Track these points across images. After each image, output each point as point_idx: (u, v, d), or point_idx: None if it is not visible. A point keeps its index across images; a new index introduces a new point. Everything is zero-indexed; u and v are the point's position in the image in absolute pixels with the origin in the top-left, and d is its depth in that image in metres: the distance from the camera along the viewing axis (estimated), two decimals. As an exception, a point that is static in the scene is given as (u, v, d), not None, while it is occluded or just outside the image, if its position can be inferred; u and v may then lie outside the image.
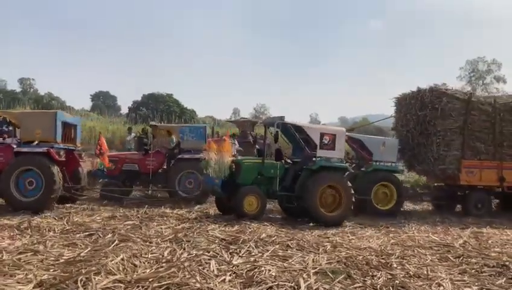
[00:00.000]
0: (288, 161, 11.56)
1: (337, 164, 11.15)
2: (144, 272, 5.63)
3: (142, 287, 4.98)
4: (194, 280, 5.13)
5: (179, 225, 9.12)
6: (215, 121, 43.11)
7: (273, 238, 7.95)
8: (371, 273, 6.01)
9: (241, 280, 5.41)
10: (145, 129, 14.93)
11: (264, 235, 8.16)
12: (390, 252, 7.48)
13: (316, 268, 6.09)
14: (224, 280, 5.39)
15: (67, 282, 5.03)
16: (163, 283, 5.05)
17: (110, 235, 7.78)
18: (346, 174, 11.66)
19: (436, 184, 15.21)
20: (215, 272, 5.70)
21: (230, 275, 5.62)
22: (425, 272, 6.18)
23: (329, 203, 10.70)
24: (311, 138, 11.06)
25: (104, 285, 4.99)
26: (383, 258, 6.93)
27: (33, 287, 4.94)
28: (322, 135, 10.89)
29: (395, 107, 15.19)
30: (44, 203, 10.35)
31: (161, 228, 8.63)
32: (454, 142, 13.35)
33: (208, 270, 5.75)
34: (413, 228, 10.54)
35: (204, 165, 11.56)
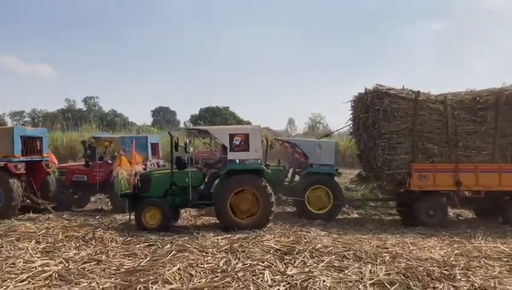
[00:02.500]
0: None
1: (250, 165, 10.26)
2: (199, 282, 5.74)
3: (197, 296, 5.06)
4: (247, 290, 5.14)
5: (235, 235, 9.19)
6: (272, 131, 43.29)
7: (329, 249, 7.80)
8: (432, 285, 5.75)
9: (295, 291, 5.35)
10: (90, 141, 15.09)
11: (319, 245, 8.03)
12: (453, 263, 7.10)
13: (372, 279, 5.92)
14: (278, 290, 5.36)
15: (126, 290, 5.23)
16: (217, 293, 5.12)
17: (168, 245, 8.00)
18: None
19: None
20: (269, 282, 5.70)
21: (284, 285, 5.59)
22: (492, 285, 5.81)
23: (247, 208, 10.01)
24: (220, 141, 10.61)
25: (161, 294, 5.13)
26: (445, 270, 6.59)
27: (96, 295, 5.18)
28: (231, 136, 10.12)
29: (351, 111, 13.85)
30: (5, 212, 11.08)
31: (217, 239, 8.74)
32: (403, 145, 12.24)
33: (261, 280, 5.76)
34: (480, 238, 9.93)
35: (116, 182, 11.66)
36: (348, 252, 7.65)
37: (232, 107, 53.44)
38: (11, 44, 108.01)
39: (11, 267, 6.26)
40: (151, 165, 13.70)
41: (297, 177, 14.11)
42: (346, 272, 6.33)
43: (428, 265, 6.86)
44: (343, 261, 7.08)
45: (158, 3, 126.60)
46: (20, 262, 6.48)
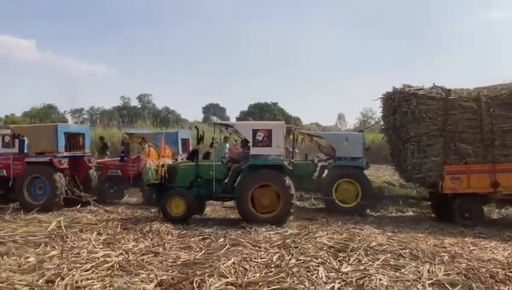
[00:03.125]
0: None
1: (271, 161, 10.16)
2: (253, 276, 5.79)
3: (253, 290, 5.11)
4: (302, 286, 5.15)
5: (287, 231, 9.20)
6: (320, 127, 42.92)
7: (385, 247, 7.63)
8: (496, 288, 5.51)
9: (351, 288, 5.31)
10: (124, 137, 15.38)
11: (374, 243, 7.86)
12: (519, 265, 6.74)
13: (431, 279, 5.73)
14: (333, 288, 5.34)
15: (184, 283, 5.39)
16: (272, 288, 5.17)
17: (222, 239, 8.14)
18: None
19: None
20: (324, 279, 5.66)
21: (339, 282, 5.54)
22: None
23: (268, 203, 10.03)
24: (244, 136, 10.65)
25: (217, 287, 5.25)
26: (510, 272, 6.27)
27: (154, 286, 5.37)
28: (255, 132, 10.16)
29: (382, 108, 13.09)
30: (50, 205, 11.61)
31: (269, 234, 8.79)
32: (433, 147, 11.56)
33: (316, 277, 5.74)
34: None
35: (145, 172, 11.89)
36: (404, 251, 7.44)
37: (281, 103, 53.35)
38: (70, 45, 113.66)
39: (75, 257, 6.60)
40: (181, 159, 14.01)
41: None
42: (402, 271, 6.18)
43: (491, 266, 6.55)
44: (399, 259, 6.90)
45: (206, 3, 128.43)
46: (84, 252, 6.82)
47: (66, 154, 12.41)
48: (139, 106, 65.73)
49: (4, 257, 6.60)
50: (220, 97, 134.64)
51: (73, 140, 12.85)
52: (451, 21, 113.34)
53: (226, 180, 10.65)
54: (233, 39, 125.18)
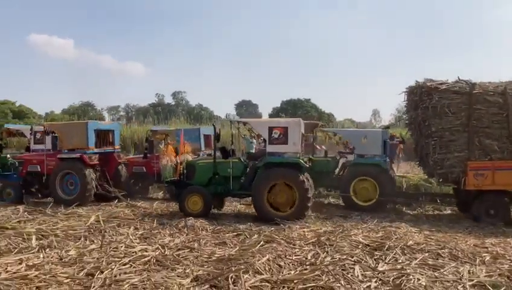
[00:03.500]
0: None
1: (287, 158, 10.09)
2: (288, 273, 5.78)
3: (288, 287, 5.12)
4: (338, 285, 5.09)
5: (321, 229, 9.13)
6: (354, 123, 42.35)
7: (422, 246, 7.45)
8: (542, 291, 5.25)
9: (388, 288, 5.20)
10: (148, 134, 15.49)
11: (411, 242, 7.69)
12: None
13: (472, 280, 5.55)
14: (369, 286, 5.25)
15: (219, 279, 5.42)
16: (308, 285, 5.13)
17: (255, 236, 8.16)
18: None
19: None
20: (360, 278, 5.58)
21: (375, 281, 5.45)
22: None
23: (285, 201, 9.96)
24: (260, 133, 10.55)
25: (252, 283, 5.25)
26: (557, 274, 5.99)
27: (190, 281, 5.42)
28: (270, 129, 10.07)
29: (405, 102, 12.56)
30: (81, 200, 11.98)
31: (303, 231, 8.74)
32: (456, 142, 11.14)
33: (352, 275, 5.66)
34: None
35: (163, 169, 11.94)
36: (443, 251, 7.25)
37: (314, 99, 52.94)
38: (106, 44, 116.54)
39: (114, 251, 6.77)
40: (203, 155, 14.14)
41: None
42: (441, 271, 6.01)
43: (537, 268, 6.29)
44: (437, 259, 6.73)
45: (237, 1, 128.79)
46: (122, 247, 6.98)
47: (96, 150, 12.75)
48: (173, 103, 66.73)
49: (47, 250, 6.83)
50: (253, 94, 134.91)
51: (103, 137, 13.20)
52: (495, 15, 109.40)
53: (244, 178, 10.69)
54: (265, 36, 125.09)
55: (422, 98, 11.44)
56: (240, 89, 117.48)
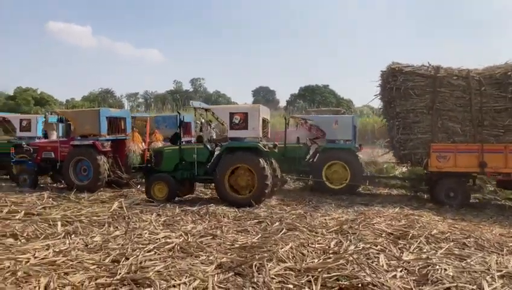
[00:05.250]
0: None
1: (246, 143, 10.44)
2: (312, 262, 5.75)
3: (312, 276, 5.08)
4: (363, 274, 5.04)
5: (343, 217, 9.07)
6: (373, 109, 41.74)
7: (447, 235, 7.34)
8: None
9: (414, 278, 5.13)
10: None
11: (435, 231, 7.58)
12: None
13: (501, 271, 5.44)
14: (395, 276, 5.18)
15: (243, 266, 5.42)
16: (332, 274, 5.09)
17: (277, 223, 8.14)
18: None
19: None
20: (385, 267, 5.52)
21: (401, 271, 5.38)
22: None
23: (245, 184, 10.32)
24: (222, 119, 10.91)
25: (276, 271, 5.24)
26: None
27: (214, 269, 5.44)
28: (231, 115, 10.45)
29: (379, 86, 12.44)
30: (94, 186, 12.30)
31: (325, 219, 8.71)
32: (420, 124, 11.43)
33: (377, 264, 5.60)
34: None
35: (129, 156, 12.28)
36: (468, 240, 7.14)
37: (333, 86, 52.45)
38: (124, 31, 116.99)
39: (138, 237, 6.83)
40: (182, 142, 14.11)
41: None
42: (468, 261, 5.91)
43: None
44: (463, 249, 6.63)
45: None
46: (146, 233, 7.05)
47: (108, 137, 12.95)
48: (191, 89, 66.84)
49: (72, 236, 6.94)
50: (271, 80, 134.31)
51: (115, 124, 13.39)
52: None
53: (209, 163, 10.98)
54: (284, 21, 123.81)
55: (389, 80, 11.70)
56: (257, 76, 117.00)
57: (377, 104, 13.05)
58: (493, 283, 4.99)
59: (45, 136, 16.13)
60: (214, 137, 12.52)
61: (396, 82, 11.52)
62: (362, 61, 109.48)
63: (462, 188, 11.34)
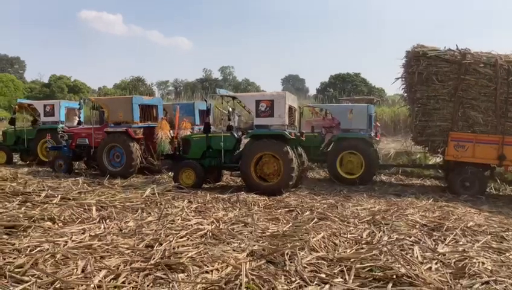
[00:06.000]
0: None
1: (272, 131, 10.35)
2: (344, 252, 5.69)
3: (345, 266, 5.02)
4: (398, 265, 4.94)
5: (375, 207, 8.94)
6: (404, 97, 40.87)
7: (484, 228, 7.14)
8: None
9: (450, 270, 5.00)
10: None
11: (471, 223, 7.38)
12: None
13: (542, 266, 5.24)
14: (430, 268, 5.07)
15: (274, 254, 5.41)
16: (365, 265, 5.02)
17: (308, 212, 8.09)
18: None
19: None
20: (420, 259, 5.41)
21: (436, 263, 5.26)
22: None
23: (271, 172, 10.30)
24: (248, 107, 10.83)
25: (308, 261, 5.21)
26: None
27: (246, 256, 5.45)
28: (257, 102, 10.40)
29: (403, 67, 11.91)
30: (127, 172, 12.56)
31: (357, 209, 8.61)
32: (440, 111, 11.04)
33: (411, 256, 5.49)
34: None
35: (158, 143, 12.32)
36: (506, 233, 6.94)
37: (364, 74, 51.55)
38: (154, 19, 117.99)
39: (171, 223, 6.91)
40: (198, 129, 14.27)
41: None
42: (507, 255, 5.73)
43: None
44: (501, 242, 6.43)
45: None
46: (178, 219, 7.12)
47: (140, 124, 13.14)
48: (221, 78, 67.03)
49: (107, 221, 7.09)
50: (301, 68, 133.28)
51: (147, 111, 13.59)
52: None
53: (236, 151, 11.11)
54: (314, 7, 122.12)
55: (411, 63, 11.34)
56: (287, 64, 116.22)
57: (398, 88, 12.61)
58: (534, 278, 4.81)
59: (79, 123, 16.56)
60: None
61: (419, 66, 11.18)
62: (395, 49, 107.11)
63: (478, 178, 11.07)
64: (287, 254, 5.38)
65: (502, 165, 11.07)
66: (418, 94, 11.39)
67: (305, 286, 4.49)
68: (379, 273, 4.76)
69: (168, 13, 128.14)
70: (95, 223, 6.92)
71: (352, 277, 4.70)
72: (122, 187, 10.60)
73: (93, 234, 6.22)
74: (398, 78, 12.01)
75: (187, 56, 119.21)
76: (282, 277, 4.73)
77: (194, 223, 6.91)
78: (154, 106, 14.04)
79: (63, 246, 5.55)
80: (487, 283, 4.66)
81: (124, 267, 4.91)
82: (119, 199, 8.75)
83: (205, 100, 11.87)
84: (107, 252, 5.44)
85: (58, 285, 4.29)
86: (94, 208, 7.80)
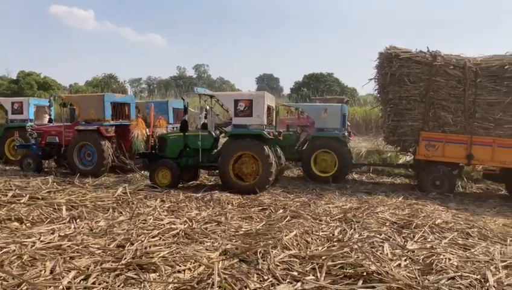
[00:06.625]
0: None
1: (250, 130, 10.34)
2: (316, 250, 5.76)
3: (317, 264, 5.08)
4: (368, 262, 5.04)
5: (346, 205, 9.08)
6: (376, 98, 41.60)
7: (451, 225, 7.35)
8: None
9: (419, 267, 5.13)
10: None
11: (439, 220, 7.59)
12: None
13: (505, 261, 5.44)
14: (399, 265, 5.19)
15: (247, 253, 5.43)
16: (337, 262, 5.09)
17: (281, 211, 8.15)
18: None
19: None
20: (389, 256, 5.52)
21: (405, 260, 5.39)
22: None
23: (249, 172, 10.33)
24: (226, 106, 10.80)
25: (281, 259, 5.25)
26: None
27: (219, 255, 5.45)
28: (236, 102, 10.37)
29: (376, 69, 12.24)
30: (98, 171, 12.38)
31: (329, 207, 8.72)
32: (412, 111, 11.42)
33: (381, 253, 5.61)
34: None
35: (133, 142, 12.31)
36: (472, 230, 7.17)
37: (338, 74, 52.10)
38: (127, 16, 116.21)
39: (143, 223, 6.84)
40: (172, 128, 14.30)
41: None
42: (472, 251, 5.92)
43: None
44: (467, 239, 6.63)
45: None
46: (150, 219, 7.05)
47: (112, 122, 12.94)
48: (195, 75, 66.59)
49: (77, 220, 6.96)
50: (275, 68, 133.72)
51: (119, 109, 13.37)
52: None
53: (214, 150, 11.07)
54: (289, 8, 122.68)
55: (383, 64, 11.60)
56: (261, 63, 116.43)
57: (371, 89, 12.83)
58: (497, 273, 4.98)
59: (50, 121, 16.17)
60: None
61: (392, 68, 11.43)
62: (369, 50, 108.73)
63: (448, 177, 11.40)
64: (260, 252, 5.41)
65: (470, 164, 11.41)
66: (390, 95, 11.63)
67: (278, 284, 4.52)
68: (350, 271, 4.84)
69: (141, 10, 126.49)
70: (64, 223, 6.80)
71: (324, 275, 4.76)
72: (93, 186, 10.42)
73: (63, 234, 6.10)
74: (371, 79, 12.24)
75: (161, 53, 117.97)
76: (255, 275, 4.75)
77: (167, 223, 6.86)
78: (126, 103, 13.82)
79: (31, 247, 5.42)
80: (453, 278, 4.80)
81: (95, 267, 4.84)
82: (90, 199, 8.58)
83: (182, 98, 11.73)
84: (77, 252, 5.34)
85: (25, 287, 4.19)
86: (64, 207, 7.65)
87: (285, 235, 6.14)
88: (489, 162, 11.10)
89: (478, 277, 4.85)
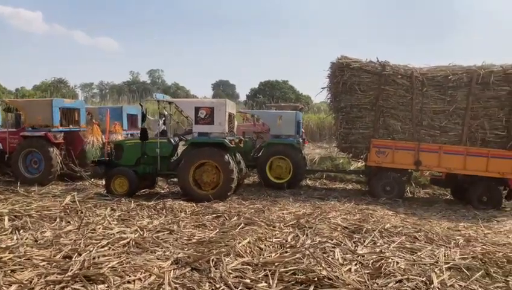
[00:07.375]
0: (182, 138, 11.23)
1: (211, 138, 10.29)
2: (269, 256, 5.77)
3: (269, 270, 5.09)
4: (320, 267, 5.10)
5: (300, 211, 9.18)
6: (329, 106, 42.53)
7: (399, 229, 7.58)
8: (514, 273, 5.42)
9: (368, 271, 5.25)
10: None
11: (388, 225, 7.82)
12: (536, 250, 6.65)
13: (448, 263, 5.68)
14: (350, 270, 5.29)
15: (200, 261, 5.36)
16: (289, 268, 5.13)
17: (235, 218, 8.12)
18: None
19: None
20: (340, 261, 5.62)
21: (356, 264, 5.50)
22: None
23: (208, 181, 10.23)
24: (186, 113, 10.66)
25: (234, 266, 5.22)
26: (528, 257, 6.19)
27: (170, 264, 5.35)
28: (197, 109, 10.25)
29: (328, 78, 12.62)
30: (45, 179, 11.91)
31: (283, 213, 8.78)
32: (363, 119, 11.94)
33: (332, 258, 5.70)
34: None
35: (88, 149, 12.23)
36: (419, 234, 7.41)
37: (293, 81, 52.89)
38: (77, 18, 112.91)
39: (91, 233, 6.61)
40: (126, 135, 14.13)
41: None
42: (419, 254, 6.13)
43: (508, 251, 6.48)
44: (414, 242, 6.85)
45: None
46: (99, 228, 6.83)
47: (61, 128, 12.48)
48: (149, 81, 65.56)
49: (21, 231, 6.64)
50: (231, 74, 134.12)
51: (68, 115, 12.90)
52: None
53: (173, 158, 10.91)
54: (246, 14, 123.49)
55: (335, 74, 11.90)
56: (217, 69, 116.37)
57: (324, 97, 13.11)
58: (441, 274, 5.19)
59: None
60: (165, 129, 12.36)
61: (343, 77, 11.71)
62: (323, 58, 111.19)
63: (398, 183, 11.84)
64: (213, 260, 5.36)
65: (418, 170, 11.88)
66: (342, 103, 11.91)
67: (230, 292, 4.49)
68: (302, 276, 4.89)
69: (93, 12, 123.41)
70: (6, 235, 6.45)
71: (276, 281, 4.78)
72: (39, 195, 10.01)
73: (4, 246, 5.78)
74: (324, 88, 12.49)
75: (113, 58, 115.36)
76: (207, 284, 4.70)
77: (117, 232, 6.67)
78: (76, 109, 13.34)
79: (-32, 261, 5.11)
80: (400, 281, 4.95)
81: (38, 280, 4.62)
82: (35, 208, 8.21)
83: (140, 104, 11.40)
84: (19, 265, 5.09)
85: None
86: (6, 217, 7.27)
87: (239, 243, 6.11)
88: (435, 168, 11.58)
89: (424, 279, 5.03)
